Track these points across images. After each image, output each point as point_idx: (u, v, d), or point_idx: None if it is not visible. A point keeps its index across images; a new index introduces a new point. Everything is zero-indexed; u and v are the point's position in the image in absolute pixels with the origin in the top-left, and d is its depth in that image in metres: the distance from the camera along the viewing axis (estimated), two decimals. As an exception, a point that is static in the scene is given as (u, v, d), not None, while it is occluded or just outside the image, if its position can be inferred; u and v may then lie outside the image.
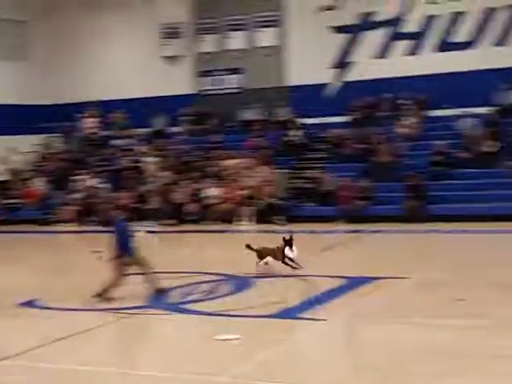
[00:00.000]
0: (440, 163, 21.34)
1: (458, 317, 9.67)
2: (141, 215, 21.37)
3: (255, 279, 12.75)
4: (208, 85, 26.90)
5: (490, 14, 23.30)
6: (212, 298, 11.53)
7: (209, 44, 26.88)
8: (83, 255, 17.37)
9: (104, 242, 12.25)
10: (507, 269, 12.95)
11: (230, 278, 13.05)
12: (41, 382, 7.90)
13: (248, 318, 10.16)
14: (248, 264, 13.20)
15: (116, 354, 9.27)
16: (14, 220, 24.62)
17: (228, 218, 21.84)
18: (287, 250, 12.81)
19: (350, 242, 17.83)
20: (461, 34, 23.62)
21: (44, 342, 9.16)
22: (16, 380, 7.94)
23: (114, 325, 10.38)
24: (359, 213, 20.58)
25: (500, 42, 23.22)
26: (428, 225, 19.17)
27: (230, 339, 8.82)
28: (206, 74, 26.95)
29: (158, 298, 11.43)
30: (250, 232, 20.66)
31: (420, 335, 8.96)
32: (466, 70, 23.21)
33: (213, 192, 22.67)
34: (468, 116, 22.43)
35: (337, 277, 12.51)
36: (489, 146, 21.32)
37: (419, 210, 20.07)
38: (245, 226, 21.47)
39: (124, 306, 11.01)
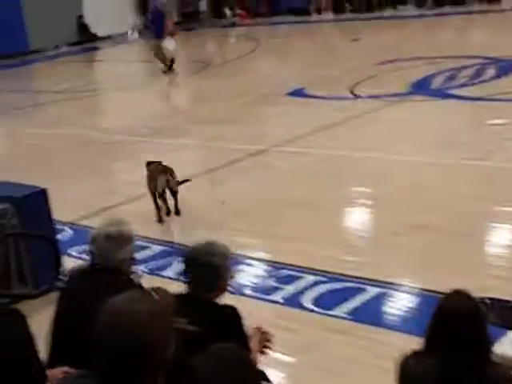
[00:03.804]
0: None
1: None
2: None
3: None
4: None
5: None
6: (477, 83, 10.93)
7: None
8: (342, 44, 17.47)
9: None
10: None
11: (493, 61, 12.24)
12: (312, 167, 8.10)
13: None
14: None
15: (383, 139, 8.76)
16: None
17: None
18: None
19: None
20: None
21: (310, 130, 9.50)
22: (288, 166, 8.26)
23: (380, 112, 10.04)
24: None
25: None
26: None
27: (500, 124, 8.56)
28: None
29: (421, 84, 11.25)
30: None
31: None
32: None
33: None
34: None
35: None
36: None
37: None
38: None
39: (388, 93, 10.86)
